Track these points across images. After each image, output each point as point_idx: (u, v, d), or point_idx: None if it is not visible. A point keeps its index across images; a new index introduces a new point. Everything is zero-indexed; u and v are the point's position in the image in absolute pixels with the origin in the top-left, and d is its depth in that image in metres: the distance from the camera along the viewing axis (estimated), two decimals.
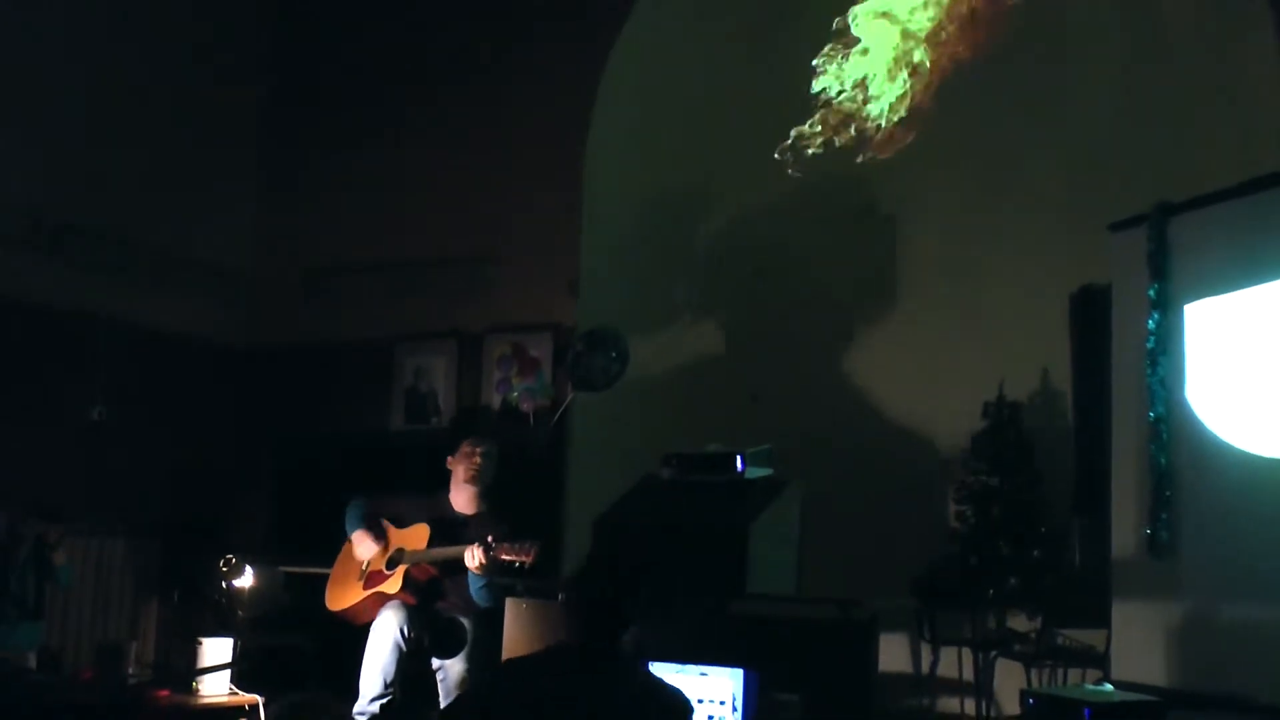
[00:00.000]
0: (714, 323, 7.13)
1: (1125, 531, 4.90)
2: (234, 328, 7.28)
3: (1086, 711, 4.09)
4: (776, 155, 3.65)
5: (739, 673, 3.92)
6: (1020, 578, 5.64)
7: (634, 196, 6.81)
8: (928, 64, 3.49)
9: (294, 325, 7.23)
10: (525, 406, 6.34)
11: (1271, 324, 4.46)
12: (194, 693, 4.87)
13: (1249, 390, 4.51)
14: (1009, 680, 5.75)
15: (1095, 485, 5.27)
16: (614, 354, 5.76)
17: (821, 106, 3.59)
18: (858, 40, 3.64)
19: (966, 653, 5.82)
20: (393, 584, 5.01)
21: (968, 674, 5.80)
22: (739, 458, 5.04)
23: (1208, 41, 5.96)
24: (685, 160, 6.85)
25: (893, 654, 5.89)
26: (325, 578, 5.30)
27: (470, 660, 4.85)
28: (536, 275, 6.59)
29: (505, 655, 4.65)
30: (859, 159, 3.75)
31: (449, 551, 4.97)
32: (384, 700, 4.78)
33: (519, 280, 6.64)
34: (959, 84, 3.88)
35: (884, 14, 3.59)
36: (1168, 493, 4.68)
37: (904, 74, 3.49)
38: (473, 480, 5.22)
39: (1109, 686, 4.64)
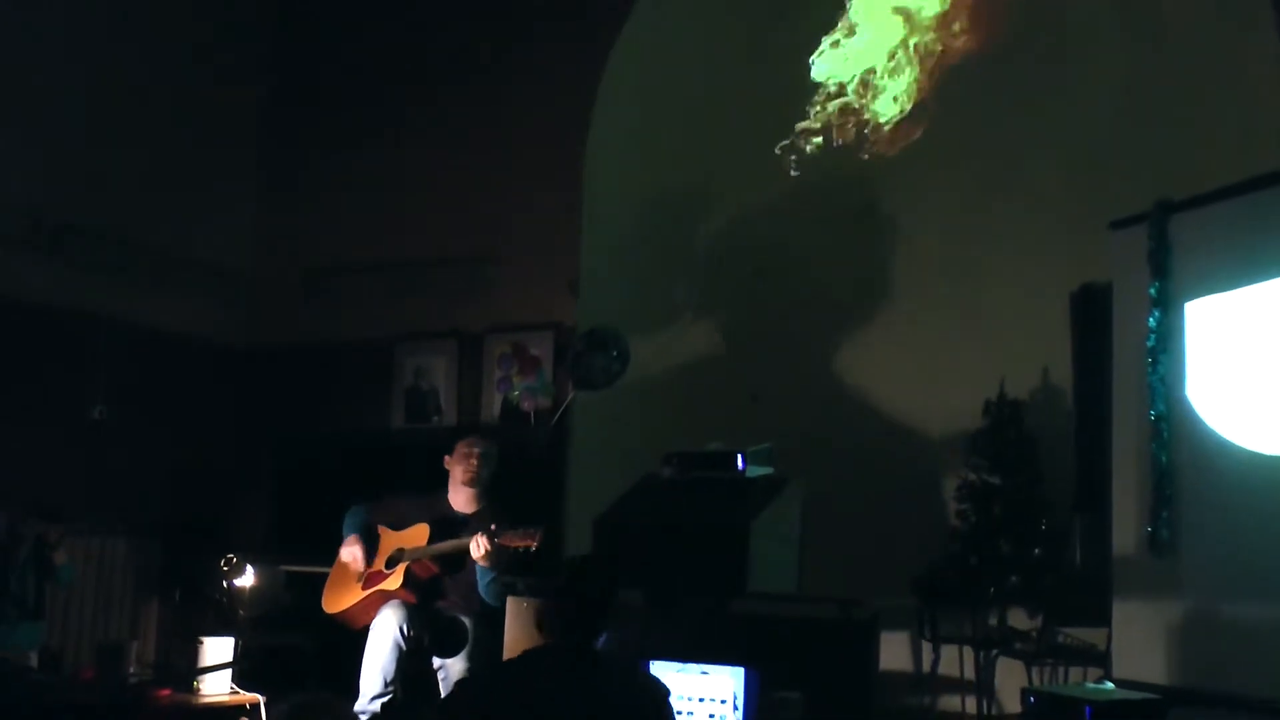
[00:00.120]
0: (714, 323, 7.13)
1: (1126, 530, 4.90)
2: (234, 328, 7.28)
3: (1087, 710, 4.10)
4: (777, 151, 3.65)
5: (740, 671, 3.93)
6: (1021, 576, 5.65)
7: (634, 196, 6.82)
8: (940, 48, 3.46)
9: (294, 325, 7.23)
10: (526, 405, 6.34)
11: (1272, 322, 4.46)
12: (195, 692, 4.85)
13: (1250, 388, 4.51)
14: (1010, 679, 5.76)
15: (1096, 483, 5.28)
16: (614, 353, 5.76)
17: (823, 99, 3.57)
18: (857, 26, 3.61)
19: (967, 651, 5.82)
20: (393, 581, 5.01)
21: (969, 672, 5.80)
22: (740, 456, 5.04)
23: (1208, 39, 5.96)
24: (685, 160, 6.85)
25: (894, 652, 5.89)
26: (326, 577, 5.30)
27: (471, 659, 4.85)
28: (537, 275, 6.59)
29: (506, 654, 4.66)
30: (865, 155, 3.74)
31: (451, 545, 4.97)
32: (385, 699, 4.78)
33: (519, 280, 6.64)
34: (959, 84, 3.88)
35: (894, 6, 3.56)
36: (1168, 491, 4.69)
37: (911, 63, 3.47)
38: (471, 482, 5.22)
39: (1110, 685, 4.64)
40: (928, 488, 6.42)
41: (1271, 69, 5.55)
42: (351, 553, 5.14)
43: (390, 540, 5.19)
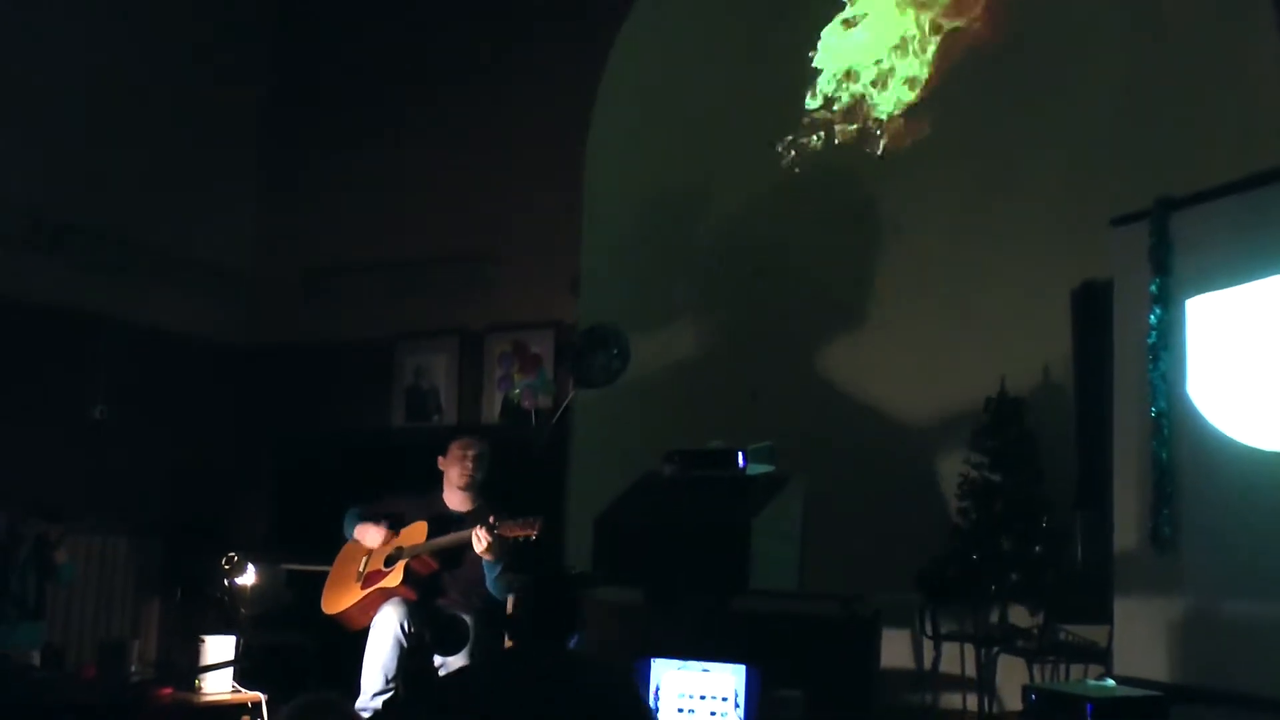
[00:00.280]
0: (714, 322, 7.13)
1: (1127, 527, 4.90)
2: (234, 327, 7.29)
3: (1089, 707, 4.10)
4: (779, 148, 3.65)
5: (741, 669, 3.93)
6: (1022, 573, 5.65)
7: (634, 196, 6.82)
8: (946, 26, 3.44)
9: (294, 325, 7.24)
10: (527, 404, 6.34)
11: (1273, 318, 4.47)
12: (196, 691, 4.84)
13: (1251, 385, 4.52)
14: (1011, 676, 5.75)
15: (1097, 481, 5.28)
16: (615, 351, 5.75)
17: (833, 81, 3.56)
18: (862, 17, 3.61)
19: (968, 648, 5.82)
20: (393, 579, 5.00)
21: (970, 670, 5.80)
22: (740, 454, 5.04)
23: (1208, 39, 5.97)
24: (685, 160, 6.85)
25: (895, 650, 5.88)
26: (326, 576, 5.29)
27: (472, 657, 4.84)
28: (537, 275, 6.60)
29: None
30: (876, 150, 3.73)
31: (451, 539, 4.97)
32: (386, 696, 4.78)
33: (519, 280, 6.65)
34: (959, 84, 3.89)
35: None
36: (1169, 488, 4.69)
37: (919, 53, 3.46)
38: (467, 485, 5.22)
39: (1111, 682, 4.64)
40: (928, 485, 6.42)
41: (1271, 69, 5.56)
42: (372, 535, 5.14)
43: (389, 539, 5.18)
